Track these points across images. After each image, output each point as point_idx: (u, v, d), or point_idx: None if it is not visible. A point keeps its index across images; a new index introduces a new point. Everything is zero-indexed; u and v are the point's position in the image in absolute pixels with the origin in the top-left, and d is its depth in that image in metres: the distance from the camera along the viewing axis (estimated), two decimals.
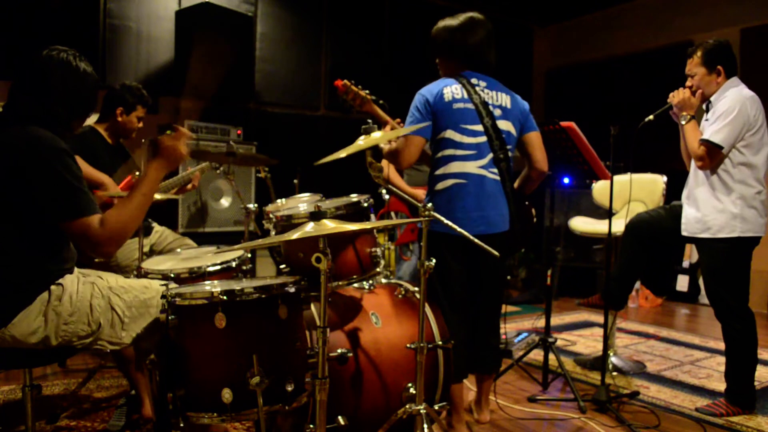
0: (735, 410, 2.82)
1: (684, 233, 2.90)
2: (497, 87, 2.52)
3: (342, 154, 1.99)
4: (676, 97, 2.87)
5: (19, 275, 1.77)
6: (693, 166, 2.90)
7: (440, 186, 2.44)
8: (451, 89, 2.43)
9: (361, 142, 2.00)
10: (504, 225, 2.47)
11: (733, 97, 2.74)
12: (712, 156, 2.75)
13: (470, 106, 2.42)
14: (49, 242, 1.81)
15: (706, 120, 2.87)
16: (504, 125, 2.46)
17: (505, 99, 2.50)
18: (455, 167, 2.42)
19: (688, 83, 2.89)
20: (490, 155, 2.44)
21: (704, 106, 2.93)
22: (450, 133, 2.41)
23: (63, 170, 1.73)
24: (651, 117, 2.85)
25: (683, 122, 2.86)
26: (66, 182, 1.73)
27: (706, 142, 2.74)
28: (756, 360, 2.82)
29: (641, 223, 3.07)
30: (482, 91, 2.46)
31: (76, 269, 1.94)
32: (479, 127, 2.42)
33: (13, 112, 1.81)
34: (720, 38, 2.87)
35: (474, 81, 2.47)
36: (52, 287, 1.80)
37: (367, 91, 2.58)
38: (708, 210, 2.80)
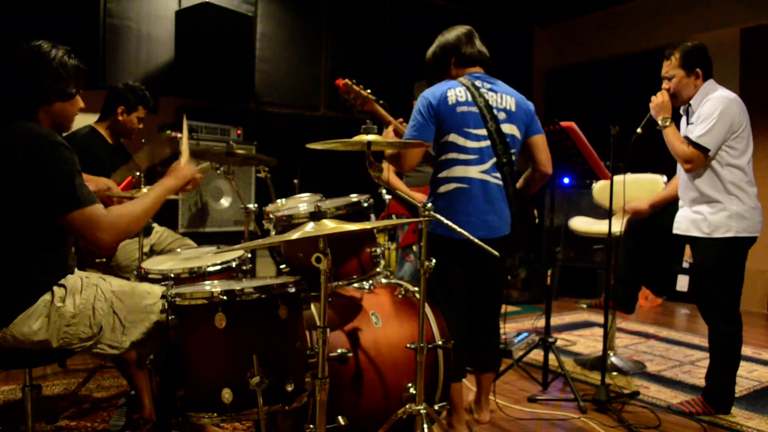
0: (709, 410, 2.81)
1: (675, 231, 2.88)
2: (502, 88, 2.50)
3: (342, 147, 1.99)
4: (654, 100, 2.86)
5: (21, 275, 1.77)
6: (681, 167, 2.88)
7: (442, 189, 2.44)
8: (455, 92, 2.41)
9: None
10: (505, 229, 2.46)
11: (717, 100, 2.71)
12: (699, 158, 2.72)
13: (474, 109, 2.40)
14: (50, 242, 1.81)
15: (691, 123, 2.83)
16: (508, 129, 2.45)
17: (509, 101, 2.47)
18: (458, 171, 2.41)
19: (665, 86, 2.86)
20: (493, 160, 2.42)
21: (681, 110, 2.90)
22: (453, 137, 2.40)
23: (60, 163, 1.73)
24: (639, 130, 2.82)
25: (664, 125, 2.82)
26: (63, 174, 1.72)
27: (692, 143, 2.72)
28: (738, 364, 2.80)
29: (641, 222, 3.06)
30: (486, 93, 2.44)
31: (77, 271, 1.94)
32: (483, 131, 2.41)
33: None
34: (696, 42, 2.84)
35: (478, 83, 2.45)
36: (55, 288, 1.80)
37: (369, 90, 2.57)
38: (703, 210, 2.78)
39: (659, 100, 2.84)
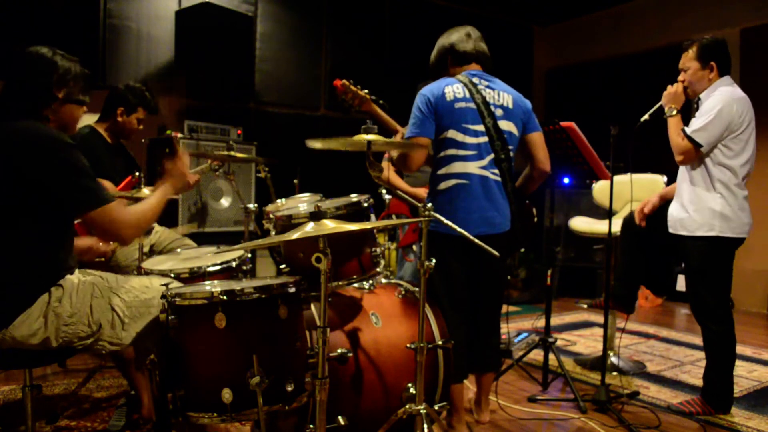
0: (708, 410, 2.81)
1: (670, 230, 2.88)
2: (499, 86, 2.51)
3: (342, 146, 1.99)
4: (669, 89, 2.87)
5: (20, 276, 1.77)
6: None
7: (442, 186, 2.44)
8: (453, 88, 2.42)
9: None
10: (505, 225, 2.46)
11: (720, 97, 2.71)
12: (691, 152, 2.73)
13: (472, 105, 2.42)
14: (49, 242, 1.81)
15: (695, 117, 2.83)
16: (506, 125, 2.46)
17: (506, 99, 2.49)
18: (457, 167, 2.41)
19: (681, 77, 2.87)
20: (491, 156, 2.43)
21: (695, 104, 2.90)
22: (452, 133, 2.41)
23: (80, 164, 1.77)
24: (646, 116, 2.84)
25: (670, 114, 2.83)
26: (84, 174, 1.77)
27: (686, 137, 2.73)
28: (734, 362, 2.80)
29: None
30: (484, 90, 2.45)
31: (76, 270, 1.94)
32: (480, 127, 2.42)
33: (2, 107, 1.84)
34: (718, 36, 2.86)
35: (475, 80, 2.46)
36: (52, 288, 1.80)
37: (367, 91, 2.58)
38: (689, 207, 2.79)
39: (673, 89, 2.86)
